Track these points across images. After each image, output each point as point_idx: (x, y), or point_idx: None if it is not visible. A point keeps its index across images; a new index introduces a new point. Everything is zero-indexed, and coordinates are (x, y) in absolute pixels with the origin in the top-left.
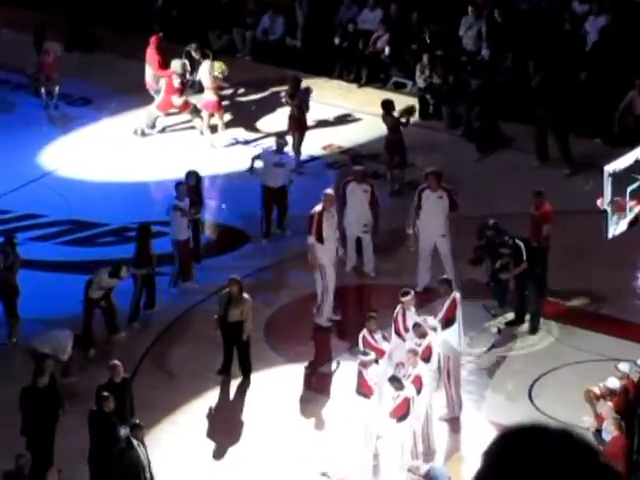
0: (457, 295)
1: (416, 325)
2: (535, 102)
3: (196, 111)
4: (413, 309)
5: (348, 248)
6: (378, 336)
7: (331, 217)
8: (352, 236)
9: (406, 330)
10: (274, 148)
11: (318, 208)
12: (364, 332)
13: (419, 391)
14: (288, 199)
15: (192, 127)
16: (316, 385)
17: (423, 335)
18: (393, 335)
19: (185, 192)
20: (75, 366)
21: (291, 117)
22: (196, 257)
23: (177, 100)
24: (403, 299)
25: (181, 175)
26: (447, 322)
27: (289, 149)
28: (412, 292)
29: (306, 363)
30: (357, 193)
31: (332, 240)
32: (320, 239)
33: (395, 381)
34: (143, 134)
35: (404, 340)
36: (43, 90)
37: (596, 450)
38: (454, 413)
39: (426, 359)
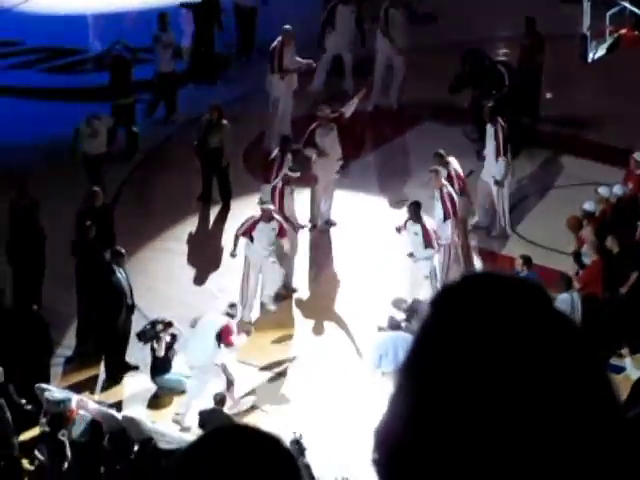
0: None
1: (437, 154)
2: None
3: None
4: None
5: (320, 70)
6: None
7: (291, 52)
8: (332, 53)
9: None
10: None
11: (277, 44)
12: None
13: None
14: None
15: None
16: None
17: (444, 164)
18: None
19: (167, 22)
20: None
21: None
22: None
23: None
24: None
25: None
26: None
27: None
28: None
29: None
30: (345, 14)
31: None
32: (281, 71)
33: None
34: None
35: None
36: None
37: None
38: None
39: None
